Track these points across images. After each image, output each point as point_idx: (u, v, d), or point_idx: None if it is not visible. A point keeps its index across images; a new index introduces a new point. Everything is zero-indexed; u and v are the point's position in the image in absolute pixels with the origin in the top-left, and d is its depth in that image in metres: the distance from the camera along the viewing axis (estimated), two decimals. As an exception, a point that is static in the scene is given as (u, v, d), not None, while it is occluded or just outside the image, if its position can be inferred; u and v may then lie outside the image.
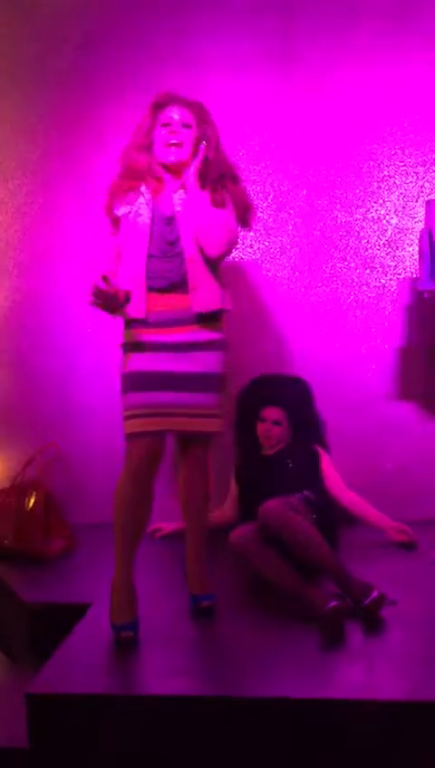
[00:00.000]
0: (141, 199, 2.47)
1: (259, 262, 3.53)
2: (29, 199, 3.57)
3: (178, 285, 2.45)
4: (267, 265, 3.54)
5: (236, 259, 3.50)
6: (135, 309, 2.45)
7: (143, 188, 2.48)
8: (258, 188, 3.52)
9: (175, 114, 2.49)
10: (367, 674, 2.14)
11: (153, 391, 2.41)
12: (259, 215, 3.51)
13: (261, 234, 3.51)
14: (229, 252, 2.48)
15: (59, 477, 3.43)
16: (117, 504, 2.40)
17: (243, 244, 3.48)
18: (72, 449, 3.50)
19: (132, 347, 2.47)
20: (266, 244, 3.53)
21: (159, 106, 2.51)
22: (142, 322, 2.45)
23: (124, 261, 2.49)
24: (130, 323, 2.48)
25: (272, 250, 3.53)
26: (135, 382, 2.43)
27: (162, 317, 2.44)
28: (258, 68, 3.48)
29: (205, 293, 2.45)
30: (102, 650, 2.32)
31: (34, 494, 3.23)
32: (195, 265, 2.44)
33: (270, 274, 3.54)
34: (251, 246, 3.52)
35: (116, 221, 2.52)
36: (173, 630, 2.43)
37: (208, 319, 2.46)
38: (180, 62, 3.47)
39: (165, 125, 2.49)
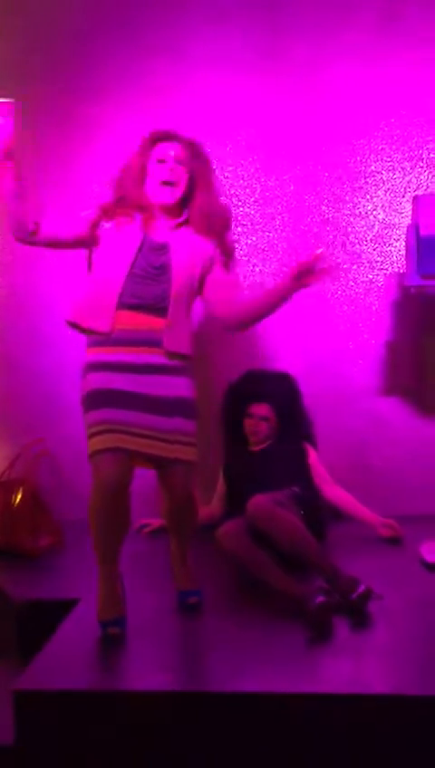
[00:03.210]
0: (132, 224, 2.45)
1: (246, 257, 3.53)
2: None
3: (152, 307, 2.40)
4: (254, 261, 3.53)
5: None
6: (101, 322, 2.39)
7: (137, 216, 2.46)
8: (245, 183, 3.52)
9: (171, 151, 2.47)
10: (354, 668, 2.15)
11: (116, 408, 2.34)
12: (247, 210, 3.53)
13: (248, 229, 3.51)
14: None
15: (46, 474, 3.42)
16: (91, 520, 2.37)
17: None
18: (59, 446, 3.49)
19: (93, 367, 2.41)
20: (253, 239, 3.53)
21: (155, 140, 2.49)
22: (105, 341, 2.39)
23: (97, 273, 2.45)
24: (92, 343, 2.42)
25: (259, 245, 3.53)
26: (96, 399, 2.36)
27: (128, 335, 2.39)
28: (246, 64, 3.48)
29: (180, 334, 2.42)
30: (89, 646, 2.32)
31: (21, 490, 3.21)
32: (179, 304, 2.41)
33: (257, 270, 3.53)
34: (238, 242, 3.48)
35: (93, 237, 2.46)
36: (160, 626, 2.43)
37: (173, 353, 2.42)
38: (168, 58, 3.46)
39: (160, 161, 2.46)
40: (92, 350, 2.43)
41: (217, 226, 2.51)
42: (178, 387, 2.42)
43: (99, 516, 2.36)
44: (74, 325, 2.45)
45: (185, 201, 2.50)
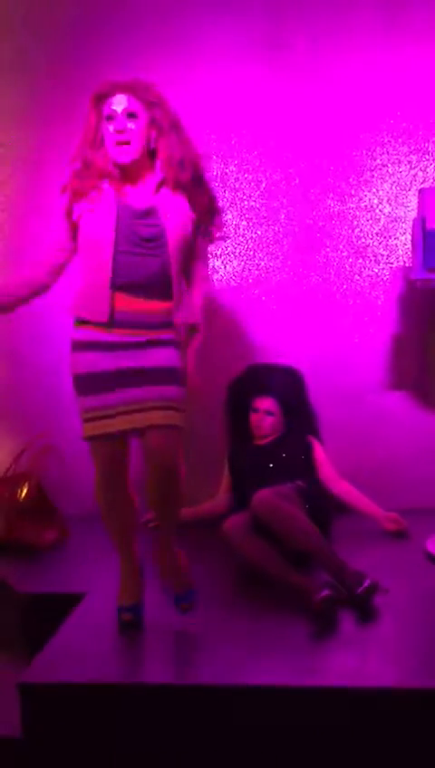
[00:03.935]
0: (102, 195, 2.25)
1: (251, 251, 3.52)
2: (19, 189, 3.55)
3: (155, 288, 2.26)
4: (259, 255, 3.52)
5: (229, 248, 3.48)
6: (96, 311, 2.25)
7: (105, 186, 2.26)
8: (250, 177, 3.50)
9: (117, 105, 2.23)
10: (360, 662, 2.15)
11: (107, 392, 2.27)
12: (252, 204, 3.51)
13: (253, 223, 3.50)
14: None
15: (51, 468, 3.42)
16: (98, 503, 2.39)
17: (235, 233, 3.46)
18: (64, 440, 3.48)
19: (82, 346, 2.30)
20: (259, 233, 3.52)
21: (100, 97, 2.25)
22: (101, 323, 2.26)
23: (84, 260, 2.29)
24: (81, 321, 2.30)
25: (264, 239, 3.52)
26: (87, 384, 2.29)
27: (129, 318, 2.26)
28: (249, 56, 3.46)
29: (186, 305, 2.32)
30: (96, 639, 2.32)
31: (27, 484, 3.22)
32: (180, 273, 2.28)
33: (262, 264, 3.52)
34: (243, 236, 3.51)
35: (74, 226, 2.29)
36: (166, 619, 2.43)
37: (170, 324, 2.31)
38: (169, 50, 3.44)
39: (109, 118, 2.24)
40: (81, 328, 2.30)
41: (185, 179, 2.26)
42: (166, 357, 2.29)
43: (102, 502, 2.38)
44: (76, 317, 2.34)
45: (153, 154, 2.28)
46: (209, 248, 2.45)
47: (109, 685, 2.10)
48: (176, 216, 2.27)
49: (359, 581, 2.41)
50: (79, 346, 2.31)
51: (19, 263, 3.57)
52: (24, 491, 3.20)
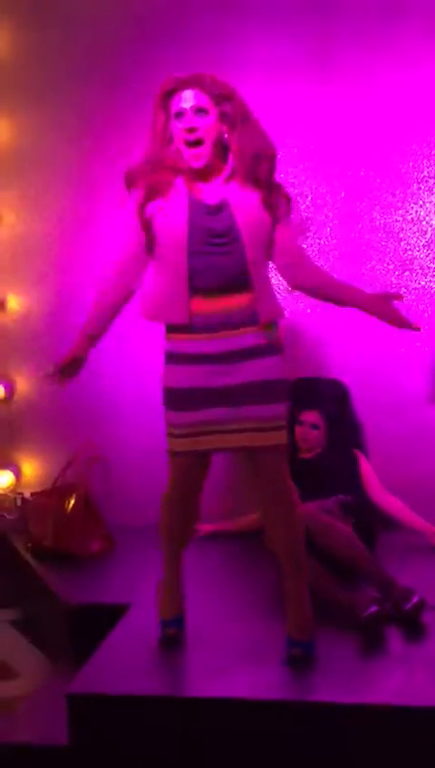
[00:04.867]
0: (174, 192, 2.16)
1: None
2: (70, 205, 3.61)
3: (232, 286, 2.15)
4: (305, 268, 3.52)
5: (274, 262, 3.49)
6: (176, 313, 2.17)
7: (178, 182, 2.17)
8: (296, 191, 3.48)
9: (185, 102, 2.12)
10: (407, 679, 2.12)
11: (197, 410, 2.18)
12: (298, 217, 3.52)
13: (299, 236, 3.50)
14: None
15: (98, 479, 3.45)
16: (162, 513, 2.37)
17: (281, 246, 3.47)
18: (111, 451, 3.52)
19: (174, 358, 2.23)
20: (304, 246, 3.51)
21: (166, 95, 2.15)
22: (185, 328, 2.18)
23: (161, 262, 2.20)
24: (171, 329, 2.22)
25: (310, 252, 3.50)
26: (176, 399, 2.21)
27: (209, 320, 2.16)
28: (297, 70, 3.47)
29: (268, 299, 2.21)
30: (142, 651, 2.34)
31: (74, 495, 3.26)
32: (258, 267, 2.16)
33: (308, 277, 3.52)
34: (289, 249, 3.51)
35: (147, 224, 2.18)
36: (213, 632, 2.43)
37: (268, 323, 2.21)
38: (219, 65, 3.45)
39: (178, 115, 2.13)
40: (172, 337, 2.22)
41: (263, 172, 2.16)
42: (266, 369, 2.20)
43: (165, 513, 2.36)
44: (155, 321, 2.24)
45: (226, 148, 2.18)
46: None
47: (153, 697, 2.11)
48: (248, 208, 2.16)
49: (407, 598, 2.39)
50: (172, 358, 2.23)
51: (67, 276, 3.64)
52: (72, 501, 3.24)
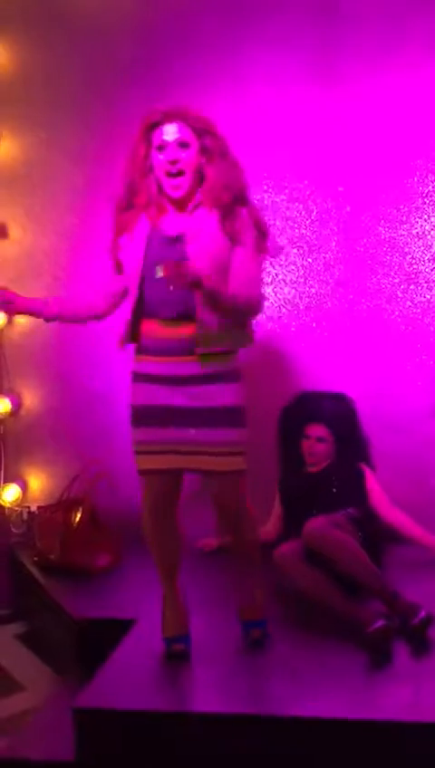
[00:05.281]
0: (139, 224, 2.30)
1: (302, 278, 3.53)
2: (75, 221, 3.64)
3: (181, 314, 2.22)
4: (310, 282, 3.54)
5: (280, 276, 3.51)
6: (127, 335, 2.31)
7: (143, 216, 2.30)
8: (301, 206, 3.53)
9: (168, 135, 2.22)
10: (414, 695, 2.11)
11: (159, 427, 2.28)
12: (302, 232, 3.53)
13: (304, 251, 3.52)
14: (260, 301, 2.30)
15: (104, 493, 3.46)
16: (145, 534, 2.41)
17: (286, 261, 3.49)
18: (117, 466, 3.52)
19: (136, 377, 2.34)
20: (310, 260, 3.54)
21: (150, 126, 2.25)
22: (144, 350, 2.30)
23: (129, 292, 2.33)
24: (137, 350, 2.34)
25: (315, 267, 3.54)
26: (139, 416, 2.31)
27: (160, 345, 2.27)
28: (300, 84, 3.49)
29: (213, 333, 2.24)
30: (149, 666, 2.34)
31: (80, 509, 3.26)
32: (207, 302, 2.20)
33: (313, 291, 3.53)
34: (294, 263, 3.53)
35: (118, 264, 2.34)
36: (219, 647, 2.43)
37: (209, 354, 2.26)
38: (224, 80, 3.50)
39: (160, 148, 2.23)
40: (137, 358, 2.35)
41: (225, 200, 2.23)
42: (221, 395, 2.26)
43: (149, 534, 2.40)
44: (120, 340, 2.36)
45: (201, 179, 2.27)
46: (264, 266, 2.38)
47: (160, 712, 2.11)
48: (205, 239, 2.23)
49: (414, 613, 2.38)
50: (137, 377, 2.35)
51: (74, 290, 3.65)
52: (78, 516, 3.24)
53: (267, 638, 2.44)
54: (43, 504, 3.50)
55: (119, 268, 2.36)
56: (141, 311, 2.29)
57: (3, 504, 3.61)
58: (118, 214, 2.35)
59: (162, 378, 2.28)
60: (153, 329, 2.28)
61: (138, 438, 2.33)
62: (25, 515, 3.61)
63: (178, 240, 2.24)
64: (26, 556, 3.37)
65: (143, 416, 2.31)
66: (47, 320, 2.40)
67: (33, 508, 3.54)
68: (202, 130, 2.25)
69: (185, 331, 2.24)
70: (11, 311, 2.44)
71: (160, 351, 2.28)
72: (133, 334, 2.33)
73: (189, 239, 2.23)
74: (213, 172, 2.25)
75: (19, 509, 3.63)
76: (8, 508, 3.63)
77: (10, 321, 3.66)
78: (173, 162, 2.23)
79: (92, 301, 2.42)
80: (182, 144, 2.23)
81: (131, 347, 2.37)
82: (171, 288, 2.16)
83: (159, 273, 2.15)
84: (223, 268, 2.24)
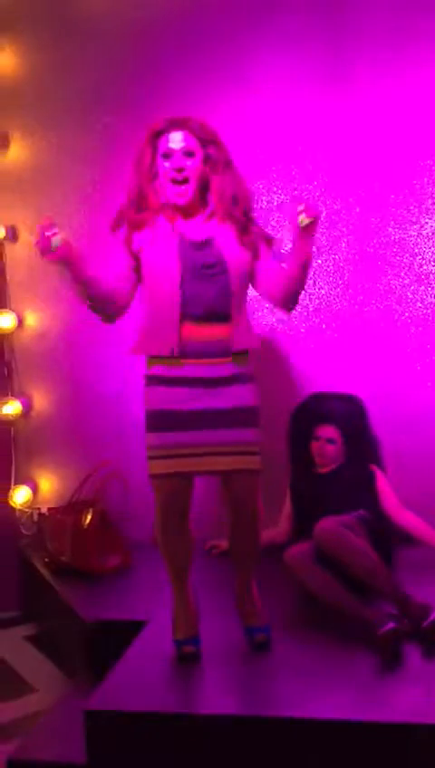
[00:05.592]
0: (160, 228, 2.32)
1: (312, 279, 3.51)
2: (85, 224, 3.64)
3: (215, 315, 2.29)
4: (320, 283, 3.53)
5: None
6: (166, 344, 2.28)
7: (161, 219, 2.33)
8: (311, 207, 3.52)
9: (174, 143, 2.27)
10: (426, 697, 2.11)
11: (175, 431, 2.29)
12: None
13: (314, 252, 3.51)
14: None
15: (114, 495, 3.46)
16: (157, 538, 2.42)
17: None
18: (127, 467, 3.53)
19: (154, 381, 2.33)
20: (319, 262, 3.53)
21: (156, 134, 2.30)
22: (183, 352, 2.29)
23: (150, 294, 2.33)
24: (153, 358, 2.33)
25: (324, 268, 3.53)
26: (155, 421, 2.31)
27: (198, 348, 2.29)
28: (309, 87, 3.49)
29: (244, 330, 2.34)
30: (160, 668, 2.34)
31: (91, 511, 3.27)
32: (240, 301, 2.32)
33: (323, 293, 3.53)
34: (304, 265, 3.52)
35: (135, 256, 2.34)
36: (229, 649, 2.43)
37: (241, 353, 2.34)
38: (234, 85, 3.51)
39: (165, 155, 2.28)
40: (155, 365, 2.33)
41: (239, 212, 2.31)
42: (242, 396, 2.32)
43: (162, 536, 2.40)
44: (146, 354, 2.35)
45: (206, 188, 2.33)
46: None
47: (174, 714, 2.11)
48: (230, 244, 2.31)
49: (425, 614, 2.37)
50: (152, 381, 2.34)
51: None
52: (89, 517, 3.25)
53: (270, 642, 2.43)
54: (53, 506, 3.51)
55: (135, 265, 2.34)
56: (176, 311, 2.27)
57: (13, 505, 3.63)
58: (130, 211, 2.35)
59: (197, 380, 2.29)
60: (190, 331, 2.29)
61: (154, 442, 2.33)
62: (36, 517, 3.63)
63: (206, 244, 2.30)
64: (37, 558, 3.38)
65: (161, 420, 2.31)
66: (77, 279, 2.23)
67: (44, 510, 3.55)
68: (207, 140, 2.31)
69: (219, 331, 2.30)
70: (57, 251, 2.18)
71: (197, 354, 2.29)
72: (157, 340, 2.30)
73: (219, 244, 2.29)
74: (218, 181, 2.31)
75: (30, 510, 3.64)
76: (19, 510, 3.64)
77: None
78: (179, 170, 2.28)
79: (117, 289, 2.34)
80: (187, 153, 2.28)
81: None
82: (303, 231, 2.20)
83: (305, 221, 2.19)
84: (245, 274, 2.34)
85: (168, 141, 2.28)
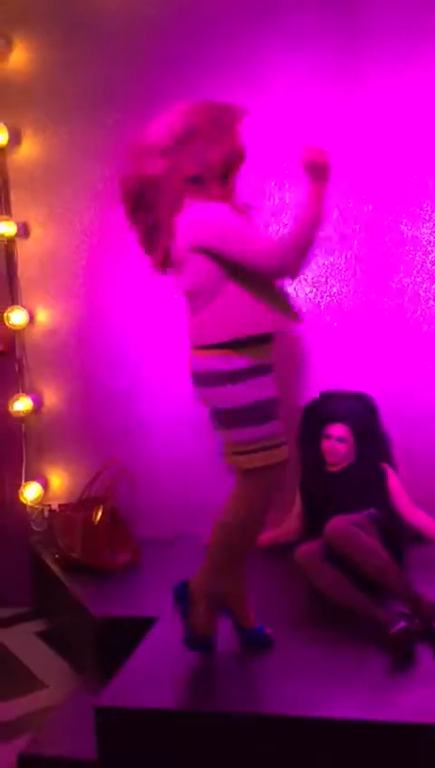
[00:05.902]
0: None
1: (323, 277, 3.52)
2: (95, 221, 3.65)
3: None
4: (332, 281, 3.52)
5: (301, 275, 3.49)
6: (268, 320, 2.26)
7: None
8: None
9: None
10: (437, 697, 2.10)
11: (280, 419, 2.33)
12: (323, 230, 3.51)
13: (325, 249, 3.50)
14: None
15: (125, 492, 3.47)
16: (243, 534, 2.36)
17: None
18: (137, 464, 3.54)
19: (262, 370, 2.28)
20: (331, 259, 3.52)
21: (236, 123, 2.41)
22: (269, 338, 2.29)
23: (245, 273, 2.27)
24: (261, 340, 2.26)
25: (336, 266, 3.52)
26: (273, 409, 2.30)
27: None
28: (319, 80, 3.48)
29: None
30: (170, 665, 2.34)
31: (101, 508, 3.27)
32: None
33: (335, 290, 3.52)
34: (315, 262, 3.51)
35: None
36: (240, 648, 2.42)
37: None
38: (247, 82, 3.50)
39: (239, 158, 2.43)
40: (253, 350, 2.25)
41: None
42: None
43: (251, 531, 2.37)
44: (243, 338, 2.24)
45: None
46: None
47: (185, 711, 2.11)
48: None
49: (436, 614, 2.36)
50: (260, 370, 2.27)
51: (94, 291, 3.68)
52: (99, 514, 3.26)
53: (271, 644, 2.41)
54: (63, 503, 3.52)
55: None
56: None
57: (24, 502, 3.63)
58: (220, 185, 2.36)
59: (272, 366, 2.34)
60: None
61: (279, 430, 2.31)
62: (46, 513, 3.63)
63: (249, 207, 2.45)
64: (47, 554, 3.39)
65: (276, 407, 2.31)
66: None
67: (54, 506, 3.56)
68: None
69: None
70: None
71: (272, 339, 2.33)
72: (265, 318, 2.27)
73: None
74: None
75: (40, 507, 3.65)
76: (29, 506, 3.65)
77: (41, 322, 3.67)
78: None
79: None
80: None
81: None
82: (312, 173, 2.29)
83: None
84: None
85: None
